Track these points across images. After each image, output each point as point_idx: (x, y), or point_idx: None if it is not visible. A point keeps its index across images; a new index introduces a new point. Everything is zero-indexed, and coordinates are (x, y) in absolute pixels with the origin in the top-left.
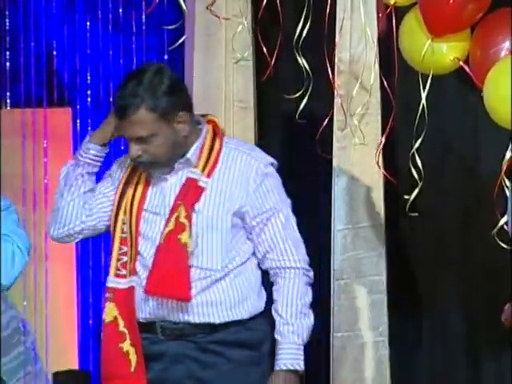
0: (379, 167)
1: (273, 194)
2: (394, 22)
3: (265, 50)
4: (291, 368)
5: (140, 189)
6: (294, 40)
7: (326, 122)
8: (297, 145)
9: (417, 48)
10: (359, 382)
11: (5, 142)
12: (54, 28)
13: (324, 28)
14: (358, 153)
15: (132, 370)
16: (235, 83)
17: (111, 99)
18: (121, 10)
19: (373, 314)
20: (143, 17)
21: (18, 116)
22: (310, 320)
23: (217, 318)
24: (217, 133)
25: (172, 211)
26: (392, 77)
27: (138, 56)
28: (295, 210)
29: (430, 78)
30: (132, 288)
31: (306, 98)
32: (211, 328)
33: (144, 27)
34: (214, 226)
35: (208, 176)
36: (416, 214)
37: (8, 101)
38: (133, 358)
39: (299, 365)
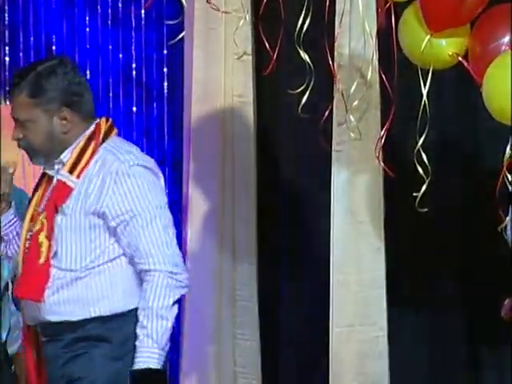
0: (379, 162)
1: (134, 195)
2: (393, 17)
3: (267, 44)
4: (144, 367)
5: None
6: (295, 34)
7: (325, 117)
8: (297, 139)
9: (416, 43)
10: (359, 378)
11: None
12: (53, 23)
13: (324, 23)
14: (357, 148)
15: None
16: (235, 78)
17: (110, 94)
18: (120, 5)
19: (372, 309)
20: (142, 12)
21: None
22: (167, 323)
23: (74, 316)
24: (94, 135)
25: (43, 211)
26: (392, 72)
27: (137, 51)
28: (296, 205)
29: (430, 73)
30: None
31: (308, 91)
32: (73, 326)
33: (143, 22)
34: (73, 226)
35: (78, 177)
36: (425, 210)
37: (7, 96)
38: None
39: (154, 364)
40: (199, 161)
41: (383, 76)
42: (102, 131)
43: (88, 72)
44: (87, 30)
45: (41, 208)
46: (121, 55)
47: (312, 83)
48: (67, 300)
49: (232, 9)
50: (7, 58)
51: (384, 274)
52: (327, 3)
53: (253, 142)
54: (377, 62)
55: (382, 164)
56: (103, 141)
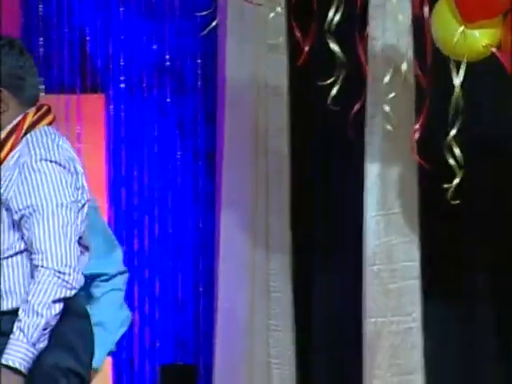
0: (413, 153)
1: (37, 190)
2: (427, 8)
3: (298, 35)
4: (4, 362)
5: None
6: (327, 26)
7: (357, 109)
8: (329, 131)
9: (449, 35)
10: (393, 368)
11: None
12: (87, 14)
13: (356, 14)
14: (390, 140)
15: None
16: (268, 69)
17: (144, 85)
18: None
19: (406, 299)
20: (176, 2)
21: (52, 102)
22: (41, 320)
23: None
24: (18, 126)
25: None
26: (426, 63)
27: (170, 41)
28: (328, 197)
29: (463, 64)
30: None
31: (339, 84)
32: None
33: (177, 13)
34: None
35: None
36: (458, 202)
37: (42, 87)
38: None
39: (13, 362)
40: (232, 152)
41: (418, 68)
42: (27, 122)
43: (122, 63)
44: (121, 20)
45: None
46: (154, 46)
47: (343, 75)
48: None
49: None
50: (42, 50)
51: (418, 264)
52: None
53: (286, 133)
54: (411, 54)
55: (417, 156)
56: (27, 132)
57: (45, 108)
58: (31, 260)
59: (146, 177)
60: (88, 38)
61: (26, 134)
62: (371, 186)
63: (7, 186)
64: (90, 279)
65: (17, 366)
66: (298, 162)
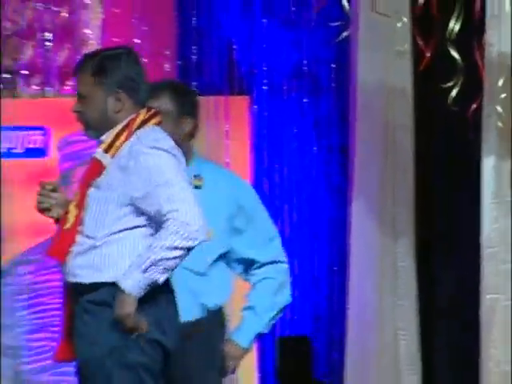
0: None
1: (153, 171)
2: None
3: (421, 43)
4: (118, 284)
5: None
6: (448, 34)
7: (474, 109)
8: (448, 129)
9: None
10: (508, 344)
11: None
12: (233, 25)
13: (475, 23)
14: (504, 137)
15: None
16: (395, 73)
17: (284, 87)
18: (293, 9)
19: None
20: (312, 14)
21: (203, 103)
22: (158, 254)
23: (86, 279)
24: (132, 122)
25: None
26: None
27: (307, 49)
28: (448, 187)
29: None
30: None
31: (458, 86)
32: (85, 288)
33: (313, 23)
34: (100, 199)
35: (112, 156)
36: None
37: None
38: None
39: (125, 284)
40: (364, 149)
41: None
42: (138, 120)
43: (265, 68)
44: (264, 30)
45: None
46: (293, 53)
47: (462, 79)
48: (83, 264)
49: (391, 11)
50: (194, 57)
51: None
52: (478, 8)
53: (410, 131)
54: None
55: None
56: (138, 128)
57: (154, 110)
58: (160, 224)
59: (286, 169)
60: (235, 47)
61: (137, 129)
62: (487, 177)
63: (126, 172)
64: (245, 265)
65: (127, 287)
66: (421, 157)
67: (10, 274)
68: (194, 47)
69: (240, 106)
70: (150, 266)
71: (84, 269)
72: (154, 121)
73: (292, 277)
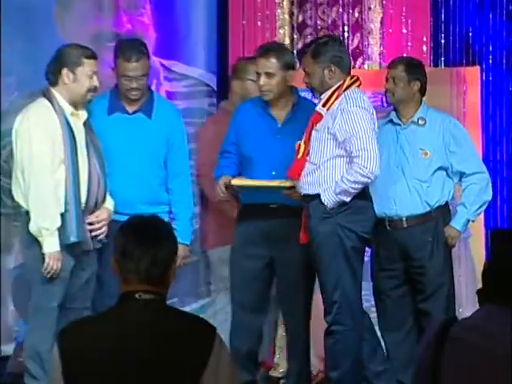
0: None
1: (353, 122)
2: None
3: None
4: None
5: None
6: None
7: None
8: None
9: None
10: None
11: None
12: (469, 18)
13: None
14: None
15: None
16: None
17: (504, 61)
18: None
19: None
20: None
21: (447, 72)
22: (336, 187)
23: (311, 191)
24: (341, 85)
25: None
26: None
27: None
28: None
29: None
30: None
31: None
32: (310, 197)
33: None
34: (319, 138)
35: (327, 109)
36: None
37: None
38: None
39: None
40: None
41: None
42: (345, 84)
43: (491, 48)
44: (489, 22)
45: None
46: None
47: None
48: (310, 181)
49: None
50: (442, 41)
51: None
52: None
53: None
54: None
55: None
56: (345, 90)
57: (355, 77)
58: (351, 161)
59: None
60: (470, 34)
61: (344, 91)
62: None
63: (334, 121)
64: (459, 175)
65: (325, 201)
66: None
67: None
68: (442, 34)
69: (473, 74)
70: (339, 192)
71: (311, 184)
72: (355, 84)
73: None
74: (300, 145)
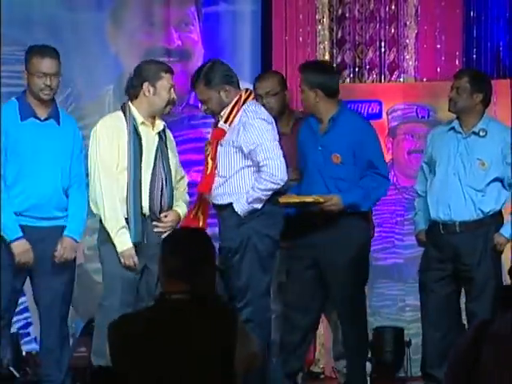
0: None
1: (256, 134)
2: None
3: None
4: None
5: None
6: None
7: None
8: None
9: None
10: None
11: None
12: (499, 32)
13: None
14: None
15: None
16: None
17: None
18: None
19: None
20: None
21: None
22: (254, 194)
23: (223, 201)
24: (239, 100)
25: (211, 145)
26: None
27: None
28: None
29: None
30: None
31: None
32: (221, 207)
33: None
34: (225, 152)
35: (229, 125)
36: None
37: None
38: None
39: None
40: None
41: None
42: (242, 99)
43: None
44: None
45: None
46: None
47: None
48: (222, 193)
49: None
50: (474, 56)
51: None
52: None
53: None
54: None
55: None
56: (243, 104)
57: (249, 90)
58: (259, 171)
59: None
60: (501, 48)
61: (242, 105)
62: None
63: (238, 135)
64: None
65: (238, 210)
66: None
67: None
68: (473, 49)
69: (504, 87)
70: (252, 200)
71: (221, 195)
72: (251, 98)
73: None
74: (208, 161)
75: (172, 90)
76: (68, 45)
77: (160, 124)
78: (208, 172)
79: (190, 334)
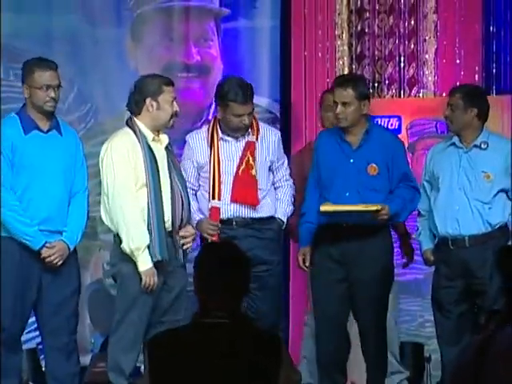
0: None
1: (278, 150)
2: None
3: None
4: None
5: None
6: None
7: None
8: None
9: None
10: None
11: None
12: None
13: None
14: None
15: None
16: None
17: None
18: None
19: None
20: None
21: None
22: (286, 216)
23: (266, 214)
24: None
25: (247, 157)
26: None
27: None
28: None
29: None
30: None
31: None
32: (262, 220)
33: None
34: (261, 165)
35: (256, 139)
36: None
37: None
38: None
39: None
40: None
41: None
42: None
43: None
44: None
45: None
46: None
47: None
48: (264, 204)
49: None
50: (494, 70)
51: None
52: None
53: None
54: None
55: None
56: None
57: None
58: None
59: None
60: None
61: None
62: None
63: (268, 150)
64: None
65: (281, 218)
66: None
67: None
68: (493, 64)
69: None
70: (289, 212)
71: (263, 207)
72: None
73: None
74: (252, 174)
75: (174, 102)
76: (87, 60)
77: (165, 138)
78: (250, 184)
79: (231, 357)
